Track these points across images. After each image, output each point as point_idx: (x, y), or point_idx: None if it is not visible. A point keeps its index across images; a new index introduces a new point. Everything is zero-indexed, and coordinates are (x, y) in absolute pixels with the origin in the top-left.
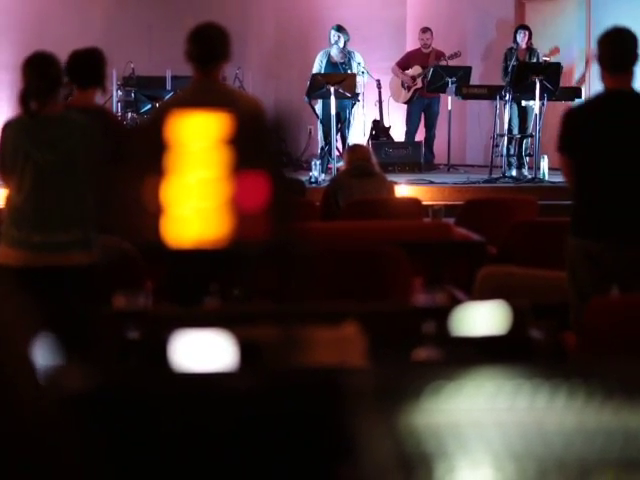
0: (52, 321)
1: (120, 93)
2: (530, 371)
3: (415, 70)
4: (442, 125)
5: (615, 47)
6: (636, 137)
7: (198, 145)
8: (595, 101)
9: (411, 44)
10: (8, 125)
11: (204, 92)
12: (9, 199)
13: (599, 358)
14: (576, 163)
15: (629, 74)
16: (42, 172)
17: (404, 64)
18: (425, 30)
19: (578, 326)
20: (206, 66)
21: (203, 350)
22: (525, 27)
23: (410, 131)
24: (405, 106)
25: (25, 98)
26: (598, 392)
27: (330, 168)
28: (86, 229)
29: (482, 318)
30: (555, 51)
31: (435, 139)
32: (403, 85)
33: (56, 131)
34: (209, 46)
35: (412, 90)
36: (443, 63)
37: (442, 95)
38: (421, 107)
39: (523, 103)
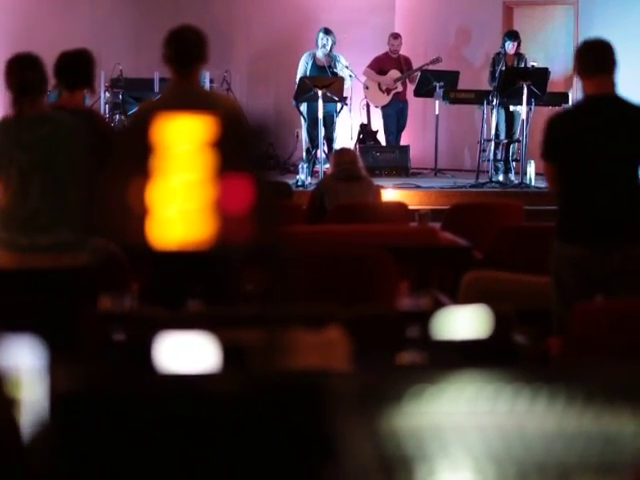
0: (37, 322)
1: (108, 95)
2: (511, 375)
3: (394, 74)
4: (429, 129)
5: (593, 52)
6: (618, 141)
7: (183, 148)
8: (577, 107)
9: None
10: None
11: (183, 95)
12: None
13: (580, 363)
14: (560, 169)
15: (609, 78)
16: (26, 174)
17: (377, 68)
18: (396, 36)
19: (561, 331)
20: (183, 69)
21: (187, 352)
22: (515, 37)
23: (392, 133)
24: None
25: (16, 99)
26: (579, 396)
27: (317, 171)
28: (74, 230)
29: (466, 322)
30: None
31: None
32: (381, 88)
33: (40, 132)
34: (185, 49)
35: (392, 93)
36: (428, 67)
37: (428, 100)
38: (396, 110)
39: (511, 108)
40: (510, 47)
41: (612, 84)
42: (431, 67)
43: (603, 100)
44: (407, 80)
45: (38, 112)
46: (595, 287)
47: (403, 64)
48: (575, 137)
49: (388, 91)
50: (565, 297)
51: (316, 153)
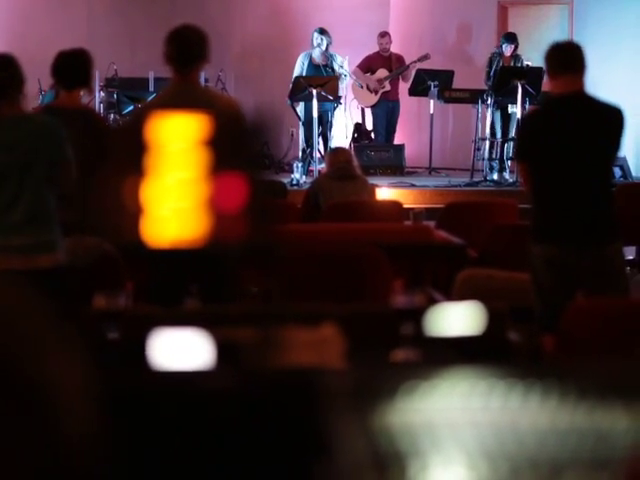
0: None
1: (102, 94)
2: (504, 371)
3: (382, 73)
4: (424, 128)
5: (561, 52)
6: (587, 139)
7: (177, 146)
8: (546, 106)
9: (394, 48)
10: None
11: (182, 94)
12: None
13: (573, 359)
14: (532, 169)
15: (577, 77)
16: (4, 174)
17: (366, 68)
18: (384, 34)
19: (545, 329)
20: (184, 68)
21: (181, 349)
22: (513, 39)
23: (381, 133)
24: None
25: None
26: (571, 392)
27: (312, 170)
28: (49, 231)
29: (460, 320)
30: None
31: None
32: (369, 88)
33: (13, 133)
34: (187, 48)
35: (380, 93)
36: (419, 65)
37: (421, 99)
38: (386, 110)
39: (508, 109)
40: (508, 50)
41: (580, 83)
42: (425, 66)
43: (571, 99)
44: (400, 78)
45: (16, 113)
46: (572, 286)
47: (394, 63)
48: (543, 137)
49: (375, 91)
50: (543, 296)
51: (311, 152)
